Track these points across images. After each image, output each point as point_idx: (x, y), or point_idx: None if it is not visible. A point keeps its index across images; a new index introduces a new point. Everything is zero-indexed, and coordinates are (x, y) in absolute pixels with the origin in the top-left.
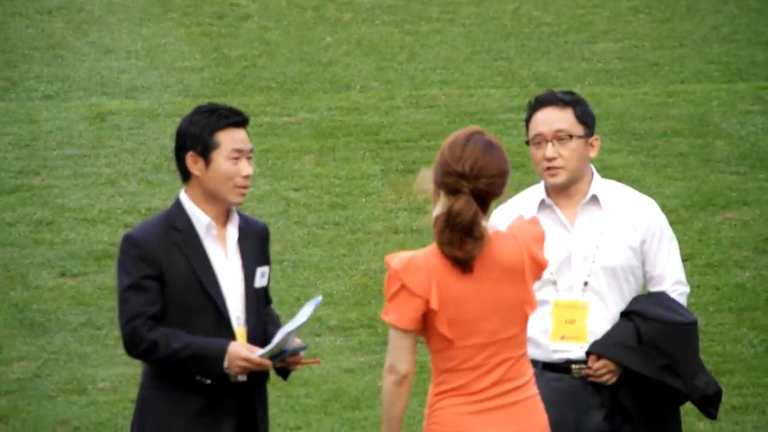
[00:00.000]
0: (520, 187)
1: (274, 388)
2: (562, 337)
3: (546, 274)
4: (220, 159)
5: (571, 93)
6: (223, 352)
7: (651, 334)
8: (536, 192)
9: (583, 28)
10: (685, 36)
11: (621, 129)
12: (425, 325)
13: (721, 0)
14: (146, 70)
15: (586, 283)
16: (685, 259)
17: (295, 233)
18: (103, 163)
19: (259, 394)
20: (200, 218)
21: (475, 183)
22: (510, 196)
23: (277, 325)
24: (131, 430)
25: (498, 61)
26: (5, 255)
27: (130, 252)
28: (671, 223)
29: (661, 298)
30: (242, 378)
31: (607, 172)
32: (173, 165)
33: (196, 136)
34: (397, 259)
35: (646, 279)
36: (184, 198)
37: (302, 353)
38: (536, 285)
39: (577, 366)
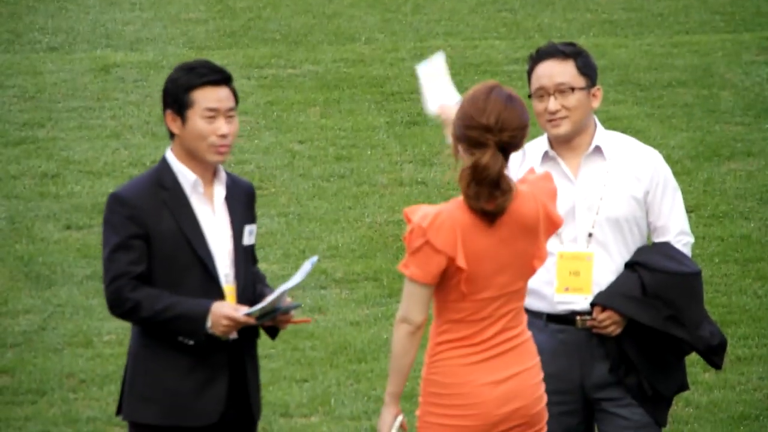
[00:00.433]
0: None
1: (280, 340)
2: (567, 289)
3: None
4: (195, 117)
5: (572, 44)
6: (206, 312)
7: (655, 285)
8: (539, 144)
9: None
10: None
11: (626, 80)
12: (441, 278)
13: None
14: (151, 22)
15: (590, 235)
16: (690, 210)
17: (300, 185)
18: (108, 115)
19: (249, 352)
20: (187, 176)
21: (500, 135)
22: None
23: (264, 284)
24: (121, 386)
25: (502, 12)
26: (10, 208)
27: (117, 210)
28: (676, 174)
29: (666, 248)
30: (233, 336)
31: (611, 123)
32: None
33: (173, 94)
34: (421, 213)
35: (651, 230)
36: (170, 156)
37: (293, 312)
38: None
39: (582, 317)
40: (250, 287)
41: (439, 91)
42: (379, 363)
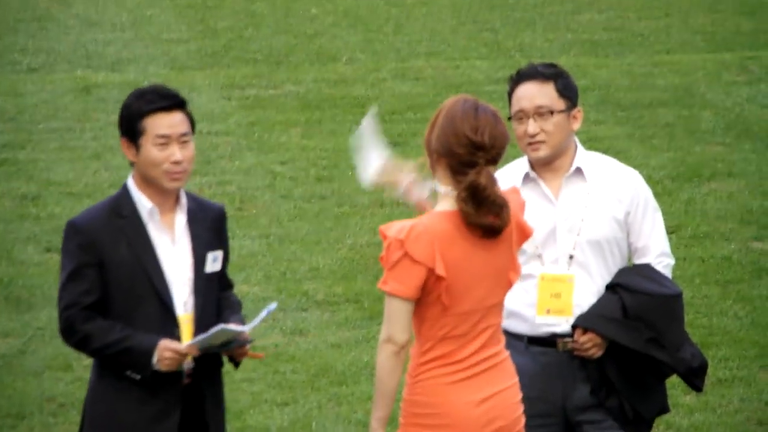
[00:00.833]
0: (505, 160)
1: (261, 363)
2: (548, 311)
3: (531, 248)
4: (148, 145)
5: (552, 66)
6: (153, 347)
7: (636, 307)
8: (520, 165)
9: None
10: (671, 6)
11: (606, 100)
12: (421, 294)
13: None
14: (132, 42)
15: (571, 257)
16: (671, 230)
17: (281, 207)
18: (89, 136)
19: (210, 383)
20: (144, 204)
21: (491, 153)
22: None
23: (235, 310)
24: (82, 413)
25: (483, 32)
26: None
27: (72, 238)
28: (657, 195)
29: (646, 270)
30: (188, 365)
31: (592, 143)
32: None
33: (126, 122)
34: (396, 227)
35: (631, 251)
36: (131, 183)
37: (248, 346)
38: (522, 259)
39: (563, 340)
40: (212, 314)
41: (373, 154)
42: (360, 386)
